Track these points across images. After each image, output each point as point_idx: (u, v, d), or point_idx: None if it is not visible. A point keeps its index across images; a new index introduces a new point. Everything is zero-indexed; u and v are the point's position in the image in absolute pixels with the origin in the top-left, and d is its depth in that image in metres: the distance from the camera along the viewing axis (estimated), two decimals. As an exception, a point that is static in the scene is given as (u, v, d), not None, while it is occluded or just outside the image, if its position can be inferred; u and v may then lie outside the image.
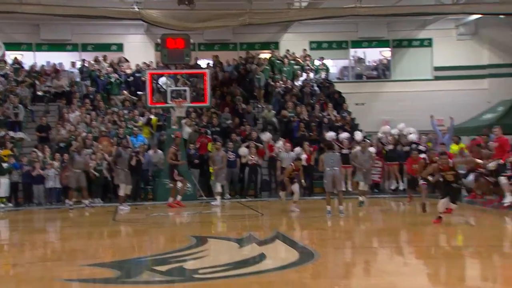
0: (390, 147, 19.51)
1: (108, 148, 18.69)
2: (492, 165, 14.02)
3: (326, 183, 13.70)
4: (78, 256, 9.74)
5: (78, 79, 23.18)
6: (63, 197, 17.94)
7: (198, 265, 8.35)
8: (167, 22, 20.69)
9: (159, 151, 19.13)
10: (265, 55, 25.22)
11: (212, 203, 16.80)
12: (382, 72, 26.44)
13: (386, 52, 26.47)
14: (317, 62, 24.78)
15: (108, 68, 23.42)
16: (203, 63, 24.41)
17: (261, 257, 8.86)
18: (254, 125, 21.43)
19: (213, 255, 9.34)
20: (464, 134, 20.49)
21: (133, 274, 8.05)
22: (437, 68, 25.82)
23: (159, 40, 21.72)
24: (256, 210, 15.74)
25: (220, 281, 7.37)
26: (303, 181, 15.35)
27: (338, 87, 24.35)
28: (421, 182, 14.19)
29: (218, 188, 17.07)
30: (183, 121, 19.80)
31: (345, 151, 17.88)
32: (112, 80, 23.09)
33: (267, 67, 23.99)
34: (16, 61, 23.64)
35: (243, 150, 19.08)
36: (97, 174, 18.01)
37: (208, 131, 20.45)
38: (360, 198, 15.54)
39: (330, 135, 19.33)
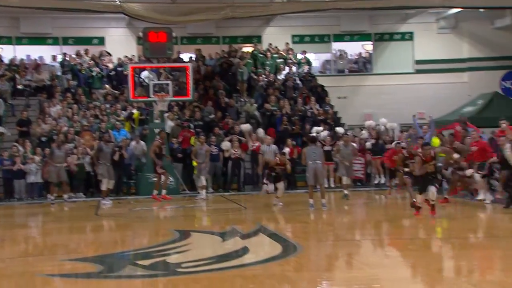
0: (373, 141, 19.60)
1: (90, 143, 18.59)
2: (468, 172, 14.04)
3: (308, 176, 13.77)
4: (59, 251, 9.71)
5: (59, 73, 22.96)
6: (45, 191, 17.82)
7: (181, 259, 8.35)
8: (149, 15, 20.60)
9: (142, 142, 19.11)
10: (247, 48, 25.19)
11: (200, 196, 16.77)
12: (362, 65, 26.54)
13: (368, 46, 26.57)
14: (299, 56, 24.82)
15: (89, 62, 23.25)
16: (185, 56, 24.31)
17: (244, 250, 8.89)
18: (237, 118, 21.42)
19: (196, 249, 9.34)
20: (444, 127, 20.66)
21: (116, 268, 8.04)
22: (418, 62, 25.97)
23: (141, 34, 21.58)
24: (239, 204, 15.77)
25: (203, 275, 7.39)
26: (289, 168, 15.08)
27: (321, 80, 24.42)
28: (404, 176, 14.29)
29: (203, 181, 17.04)
30: (166, 115, 19.74)
31: (327, 148, 17.89)
32: (94, 74, 22.92)
33: (249, 60, 23.98)
34: (-5, 55, 23.37)
35: (226, 144, 19.08)
36: (75, 168, 17.80)
37: (191, 125, 20.41)
38: (345, 192, 15.63)
39: (317, 129, 19.34)
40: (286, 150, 17.46)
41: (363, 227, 12.16)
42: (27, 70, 22.96)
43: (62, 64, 23.19)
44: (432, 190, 11.42)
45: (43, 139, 19.31)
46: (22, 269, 8.12)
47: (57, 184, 16.90)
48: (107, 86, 22.61)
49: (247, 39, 25.84)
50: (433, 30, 25.91)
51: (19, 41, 24.62)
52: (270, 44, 24.93)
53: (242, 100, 22.91)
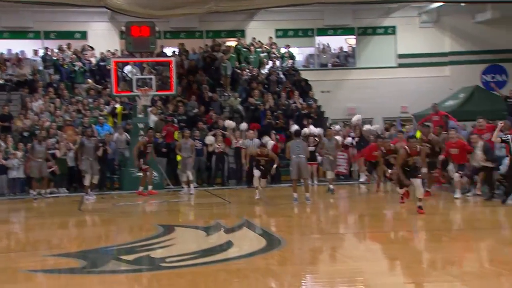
0: (357, 139, 19.54)
1: (73, 137, 18.47)
2: (451, 171, 14.09)
3: (292, 170, 13.81)
4: (42, 247, 9.65)
5: (41, 68, 22.76)
6: (27, 187, 17.69)
7: (166, 253, 8.35)
8: (131, 9, 20.45)
9: (125, 133, 19.05)
10: (231, 43, 25.15)
11: (190, 191, 16.73)
12: (344, 59, 26.62)
13: (351, 40, 26.65)
14: (283, 50, 24.83)
15: (72, 56, 23.06)
16: (168, 51, 24.21)
17: (229, 244, 8.90)
18: (220, 113, 21.40)
19: (181, 244, 9.34)
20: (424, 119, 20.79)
21: (100, 263, 8.01)
22: (401, 56, 26.11)
23: (123, 28, 21.45)
24: (223, 198, 15.78)
25: (187, 270, 7.39)
26: (275, 166, 14.76)
27: (304, 74, 24.46)
28: (389, 171, 14.39)
29: (190, 176, 17.00)
30: (149, 109, 19.66)
31: (311, 148, 17.84)
32: (76, 68, 22.75)
33: (233, 55, 23.95)
34: (-25, 49, 23.11)
35: (209, 139, 19.06)
36: (53, 164, 17.64)
37: (175, 119, 20.36)
38: (330, 186, 15.69)
39: (307, 131, 19.22)
40: (270, 143, 17.46)
41: (347, 220, 12.24)
42: (8, 64, 22.71)
43: (44, 58, 22.98)
44: (419, 187, 11.44)
45: (25, 134, 19.14)
46: (4, 265, 8.06)
47: (39, 180, 16.79)
48: (89, 80, 22.45)
49: (231, 33, 25.79)
50: (415, 24, 26.06)
51: (0, 35, 24.36)
52: (254, 38, 24.92)
53: (226, 94, 22.89)
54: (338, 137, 17.85)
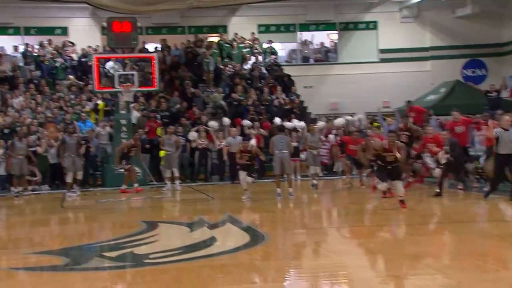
0: (339, 138, 19.48)
1: (54, 134, 18.34)
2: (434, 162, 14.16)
3: (275, 166, 13.83)
4: (24, 244, 9.58)
5: (21, 64, 22.53)
6: (8, 184, 17.52)
7: (149, 250, 8.34)
8: (112, 5, 20.34)
9: (107, 128, 18.97)
10: (213, 38, 25.09)
11: (176, 188, 16.68)
12: (325, 54, 26.70)
13: (333, 35, 26.73)
14: (265, 45, 24.83)
15: (53, 52, 22.86)
16: (151, 47, 24.10)
17: (212, 240, 8.91)
18: (203, 109, 21.36)
19: (164, 240, 9.34)
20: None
21: (83, 261, 7.96)
22: (382, 51, 26.24)
23: (105, 24, 21.29)
24: (206, 194, 15.77)
25: (171, 266, 7.38)
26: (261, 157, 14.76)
27: (287, 70, 24.50)
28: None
29: (175, 173, 16.95)
30: (132, 105, 19.57)
31: (294, 144, 17.84)
32: (57, 64, 22.56)
33: (215, 50, 23.90)
34: (-46, 46, 22.81)
35: (192, 135, 19.02)
36: (35, 159, 17.48)
37: (157, 115, 20.28)
38: (313, 181, 15.74)
39: (290, 125, 19.20)
40: (253, 141, 17.44)
41: (330, 215, 12.31)
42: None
43: (24, 54, 22.75)
44: (400, 188, 11.51)
45: (6, 131, 18.95)
46: (-14, 263, 8.00)
47: (19, 177, 16.64)
48: (71, 77, 22.27)
49: (213, 29, 25.75)
50: (396, 19, 26.22)
51: (-22, 31, 24.09)
52: (236, 34, 24.89)
53: (209, 90, 22.84)
54: (320, 132, 17.87)
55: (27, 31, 24.48)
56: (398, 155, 11.45)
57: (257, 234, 9.34)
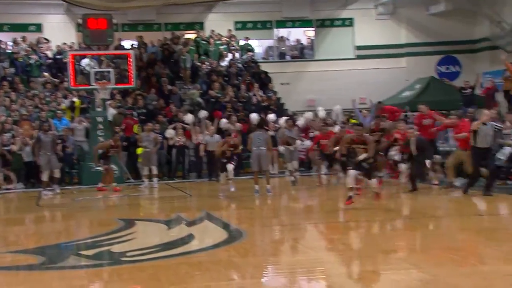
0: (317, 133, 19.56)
1: (29, 132, 18.12)
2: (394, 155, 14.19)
3: (253, 162, 13.86)
4: (-1, 244, 9.47)
5: (-5, 61, 22.23)
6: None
7: (126, 248, 8.30)
8: (87, 1, 20.16)
9: (84, 123, 18.85)
10: (190, 35, 25.01)
11: (154, 185, 16.61)
12: (301, 51, 26.78)
13: (310, 32, 26.82)
14: (242, 42, 24.83)
15: (27, 49, 22.57)
16: (127, 44, 23.93)
17: (190, 237, 8.91)
18: (180, 106, 21.30)
19: (142, 238, 9.30)
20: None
21: (59, 259, 7.90)
22: (358, 47, 26.40)
23: (80, 21, 21.10)
24: (184, 191, 15.74)
25: (148, 263, 7.37)
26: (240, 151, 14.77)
27: (264, 67, 24.54)
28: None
29: (154, 170, 16.87)
30: (108, 103, 19.43)
31: (271, 133, 17.91)
32: (32, 61, 22.29)
33: (192, 47, 23.83)
34: None
35: (170, 132, 18.95)
36: (10, 157, 17.27)
37: (134, 113, 20.17)
38: (292, 178, 15.79)
39: (271, 117, 19.24)
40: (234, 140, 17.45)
41: (308, 211, 12.37)
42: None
43: (-3, 51, 22.44)
44: (374, 186, 11.47)
45: (-20, 129, 18.70)
46: (-40, 263, 7.89)
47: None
48: (46, 74, 22.02)
49: (189, 26, 25.67)
50: (372, 16, 26.39)
51: (-49, 27, 23.68)
52: (213, 30, 24.85)
53: (186, 87, 22.78)
54: (297, 128, 17.92)
55: (0, 27, 24.13)
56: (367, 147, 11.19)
57: (235, 230, 9.36)
